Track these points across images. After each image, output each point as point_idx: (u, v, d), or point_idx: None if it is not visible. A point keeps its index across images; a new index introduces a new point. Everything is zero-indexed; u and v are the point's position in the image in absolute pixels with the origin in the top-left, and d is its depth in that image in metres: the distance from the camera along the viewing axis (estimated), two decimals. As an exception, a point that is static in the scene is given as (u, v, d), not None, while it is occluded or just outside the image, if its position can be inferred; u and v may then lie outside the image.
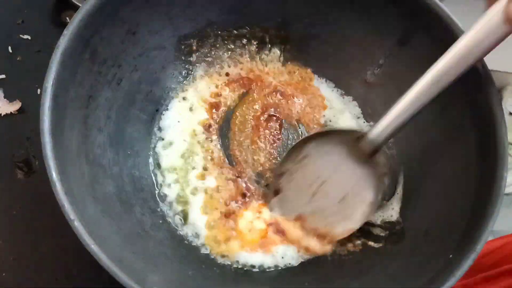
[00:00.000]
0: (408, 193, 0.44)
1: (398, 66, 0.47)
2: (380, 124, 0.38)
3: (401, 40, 0.46)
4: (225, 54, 0.51)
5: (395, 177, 0.46)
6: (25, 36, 0.52)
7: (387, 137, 0.38)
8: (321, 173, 0.42)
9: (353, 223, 0.42)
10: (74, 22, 0.34)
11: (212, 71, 0.51)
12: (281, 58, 0.52)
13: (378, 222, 0.45)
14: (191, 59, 0.50)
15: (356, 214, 0.42)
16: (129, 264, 0.31)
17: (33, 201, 0.45)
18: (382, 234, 0.44)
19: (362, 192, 0.41)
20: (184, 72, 0.49)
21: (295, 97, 0.50)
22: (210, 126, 0.48)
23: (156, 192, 0.44)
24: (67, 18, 0.53)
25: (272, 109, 0.50)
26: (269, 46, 0.51)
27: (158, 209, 0.43)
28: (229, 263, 0.42)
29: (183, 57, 0.49)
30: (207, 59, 0.50)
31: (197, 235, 0.43)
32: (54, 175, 0.30)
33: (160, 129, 0.47)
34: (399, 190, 0.45)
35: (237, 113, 0.49)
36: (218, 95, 0.49)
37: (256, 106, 0.50)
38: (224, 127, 0.48)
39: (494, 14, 0.31)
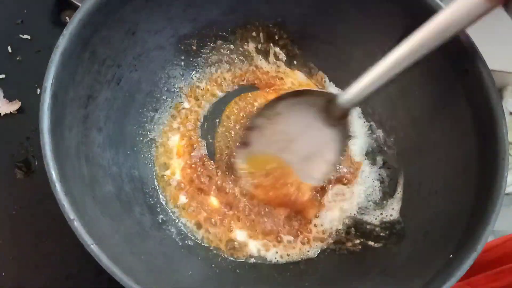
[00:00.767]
0: (408, 193, 0.44)
1: (398, 66, 0.47)
2: (351, 90, 0.38)
3: (402, 39, 0.46)
4: (225, 54, 0.51)
5: (396, 176, 0.46)
6: (25, 36, 0.52)
7: (356, 103, 0.39)
8: (290, 132, 0.43)
9: (315, 181, 0.44)
10: (73, 22, 0.34)
11: (212, 71, 0.51)
12: (281, 58, 0.52)
13: (378, 222, 0.45)
14: (191, 59, 0.50)
15: (318, 173, 0.44)
16: (128, 264, 0.31)
17: (33, 201, 0.45)
18: (382, 234, 0.44)
19: (326, 153, 0.43)
20: (183, 72, 0.49)
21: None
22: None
23: (156, 192, 0.44)
24: (67, 18, 0.53)
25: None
26: (269, 46, 0.51)
27: (158, 209, 0.43)
28: (229, 262, 0.42)
29: (182, 57, 0.49)
30: (206, 59, 0.50)
31: (195, 235, 0.43)
32: (53, 175, 0.30)
33: (159, 129, 0.47)
34: (399, 190, 0.45)
35: (233, 109, 0.49)
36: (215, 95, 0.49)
37: (256, 104, 0.50)
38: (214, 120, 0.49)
39: None
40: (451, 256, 0.34)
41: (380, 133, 0.50)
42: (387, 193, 0.47)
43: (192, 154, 0.46)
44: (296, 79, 0.52)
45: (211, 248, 0.43)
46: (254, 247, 0.43)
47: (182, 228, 0.43)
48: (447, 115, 0.42)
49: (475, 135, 0.39)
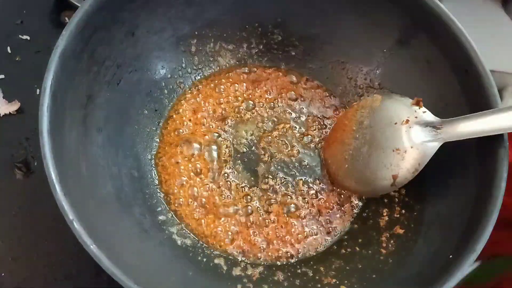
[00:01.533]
0: (408, 193, 0.44)
1: (398, 66, 0.47)
2: (461, 129, 0.36)
3: (401, 40, 0.46)
4: (225, 54, 0.51)
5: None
6: (24, 37, 0.52)
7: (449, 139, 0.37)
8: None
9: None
10: (73, 23, 0.34)
11: (212, 72, 0.51)
12: (281, 58, 0.52)
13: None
14: (191, 59, 0.49)
15: None
16: (128, 265, 0.31)
17: (32, 201, 0.45)
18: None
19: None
20: (183, 72, 0.49)
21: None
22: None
23: (156, 192, 0.44)
24: (66, 19, 0.53)
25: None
26: (269, 46, 0.51)
27: (158, 209, 0.43)
28: (230, 263, 0.42)
29: (182, 58, 0.49)
30: (206, 60, 0.50)
31: (196, 236, 0.43)
32: (53, 175, 0.30)
33: (159, 129, 0.47)
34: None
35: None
36: (219, 103, 0.49)
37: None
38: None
39: None
40: (450, 256, 0.34)
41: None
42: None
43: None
44: (297, 79, 0.52)
45: (211, 249, 0.43)
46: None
47: (182, 229, 0.43)
48: (446, 116, 0.42)
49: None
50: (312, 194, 0.46)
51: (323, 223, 0.45)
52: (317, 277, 0.41)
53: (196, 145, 0.46)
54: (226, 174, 0.46)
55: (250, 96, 0.50)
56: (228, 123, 0.48)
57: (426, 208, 0.41)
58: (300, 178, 0.46)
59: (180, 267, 0.40)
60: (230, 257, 0.42)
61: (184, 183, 0.45)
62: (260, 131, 0.48)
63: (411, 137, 0.38)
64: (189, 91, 0.49)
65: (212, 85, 0.50)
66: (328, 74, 0.51)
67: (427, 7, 0.41)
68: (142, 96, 0.46)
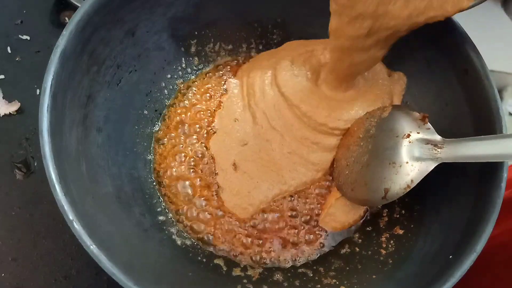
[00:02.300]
0: (408, 194, 0.44)
1: (398, 66, 0.47)
2: (462, 150, 0.35)
3: (400, 40, 0.46)
4: (225, 55, 0.51)
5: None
6: (24, 37, 0.52)
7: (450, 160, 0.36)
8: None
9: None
10: (73, 22, 0.34)
11: (212, 72, 0.51)
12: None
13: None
14: (191, 59, 0.50)
15: None
16: (128, 265, 0.31)
17: (32, 201, 0.45)
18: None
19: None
20: (183, 73, 0.49)
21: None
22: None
23: (155, 193, 0.44)
24: (66, 19, 0.53)
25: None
26: (269, 46, 0.51)
27: (158, 210, 0.43)
28: (229, 263, 0.42)
29: (182, 58, 0.49)
30: (206, 59, 0.50)
31: (195, 236, 0.43)
32: (53, 175, 0.30)
33: (159, 129, 0.47)
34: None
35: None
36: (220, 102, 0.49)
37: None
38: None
39: None
40: (450, 256, 0.34)
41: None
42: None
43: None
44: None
45: (211, 250, 0.43)
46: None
47: (182, 229, 0.43)
48: (446, 116, 0.42)
49: (475, 136, 0.39)
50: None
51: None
52: (316, 278, 0.41)
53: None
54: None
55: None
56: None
57: (426, 209, 0.41)
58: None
59: (180, 267, 0.40)
60: (230, 257, 0.42)
61: (184, 183, 0.45)
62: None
63: (409, 152, 0.37)
64: (189, 91, 0.49)
65: (212, 85, 0.50)
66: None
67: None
68: (142, 96, 0.46)
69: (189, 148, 0.46)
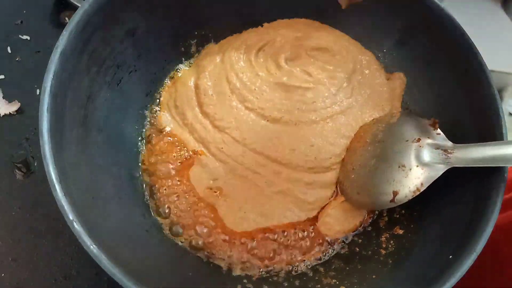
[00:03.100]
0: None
1: (398, 66, 0.47)
2: (472, 154, 0.36)
3: (401, 40, 0.46)
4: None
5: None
6: (24, 37, 0.52)
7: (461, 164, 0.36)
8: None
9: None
10: (73, 23, 0.34)
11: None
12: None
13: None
14: (191, 59, 0.49)
15: None
16: (128, 265, 0.31)
17: (32, 201, 0.45)
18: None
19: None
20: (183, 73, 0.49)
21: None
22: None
23: (155, 193, 0.44)
24: (66, 19, 0.53)
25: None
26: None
27: (158, 210, 0.43)
28: (228, 265, 0.42)
29: (182, 58, 0.49)
30: (206, 59, 0.50)
31: (195, 236, 0.43)
32: (53, 175, 0.30)
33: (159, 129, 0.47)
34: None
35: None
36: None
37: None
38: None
39: None
40: (450, 257, 0.34)
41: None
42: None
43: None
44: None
45: (211, 250, 0.43)
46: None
47: (182, 230, 0.43)
48: (446, 116, 0.42)
49: (475, 136, 0.39)
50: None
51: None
52: (316, 278, 0.41)
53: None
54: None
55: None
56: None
57: (426, 209, 0.41)
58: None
59: (180, 267, 0.40)
60: (230, 261, 0.42)
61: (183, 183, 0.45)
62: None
63: (419, 156, 0.38)
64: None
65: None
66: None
67: (427, 7, 0.41)
68: (142, 96, 0.46)
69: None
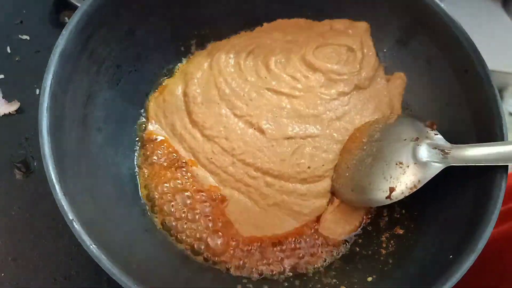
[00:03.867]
0: (408, 195, 0.44)
1: (398, 66, 0.47)
2: (471, 152, 0.36)
3: (401, 40, 0.46)
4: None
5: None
6: (24, 37, 0.52)
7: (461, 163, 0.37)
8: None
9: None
10: (72, 22, 0.34)
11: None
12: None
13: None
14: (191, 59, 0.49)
15: None
16: (128, 265, 0.31)
17: (32, 201, 0.45)
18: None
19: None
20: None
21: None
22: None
23: (155, 193, 0.44)
24: (66, 18, 0.53)
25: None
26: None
27: (157, 210, 0.43)
28: (226, 267, 0.42)
29: (182, 58, 0.49)
30: (206, 59, 0.50)
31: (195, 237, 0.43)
32: (52, 175, 0.30)
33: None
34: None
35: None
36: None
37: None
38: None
39: None
40: (450, 256, 0.34)
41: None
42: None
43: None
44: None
45: (211, 251, 0.43)
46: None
47: (181, 230, 0.43)
48: (446, 116, 0.42)
49: (475, 136, 0.39)
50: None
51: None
52: (316, 278, 0.41)
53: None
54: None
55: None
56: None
57: (426, 208, 0.41)
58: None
59: (180, 267, 0.40)
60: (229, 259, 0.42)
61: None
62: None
63: (417, 154, 0.38)
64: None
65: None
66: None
67: (427, 7, 0.41)
68: (142, 96, 0.46)
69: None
